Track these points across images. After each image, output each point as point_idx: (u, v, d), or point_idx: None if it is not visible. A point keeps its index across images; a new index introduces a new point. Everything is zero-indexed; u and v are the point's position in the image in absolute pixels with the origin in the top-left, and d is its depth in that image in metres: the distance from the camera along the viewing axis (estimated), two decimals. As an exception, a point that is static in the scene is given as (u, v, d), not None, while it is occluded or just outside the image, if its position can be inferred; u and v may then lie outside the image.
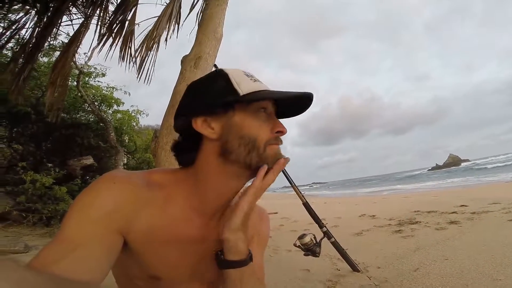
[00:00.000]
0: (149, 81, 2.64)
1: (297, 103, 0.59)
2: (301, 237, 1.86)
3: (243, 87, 0.53)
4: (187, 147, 0.57)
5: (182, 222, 0.56)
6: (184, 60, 2.28)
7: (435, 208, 4.66)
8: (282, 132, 0.56)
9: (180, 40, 3.07)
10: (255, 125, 0.53)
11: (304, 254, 1.86)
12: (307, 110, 0.61)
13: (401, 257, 2.39)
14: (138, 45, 2.75)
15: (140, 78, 2.63)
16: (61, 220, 4.16)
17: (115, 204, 0.50)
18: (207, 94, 0.55)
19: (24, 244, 3.04)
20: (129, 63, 2.87)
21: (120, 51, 2.88)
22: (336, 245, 2.15)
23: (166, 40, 2.74)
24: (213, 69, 2.36)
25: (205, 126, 0.53)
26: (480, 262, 1.97)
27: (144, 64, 2.61)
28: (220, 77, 0.55)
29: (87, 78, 6.51)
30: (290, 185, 2.29)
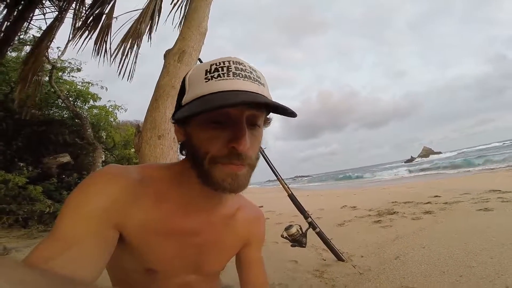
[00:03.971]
0: (131, 78, 2.57)
1: (275, 109, 0.51)
2: (287, 228, 1.92)
3: (190, 93, 0.50)
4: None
5: (176, 215, 0.57)
6: (167, 54, 2.25)
7: (411, 199, 4.90)
8: (236, 148, 0.47)
9: (161, 34, 3.00)
10: (202, 138, 0.50)
11: (291, 245, 1.93)
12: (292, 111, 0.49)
13: (382, 246, 2.51)
14: (118, 40, 2.67)
15: (123, 75, 2.55)
16: (38, 221, 4.02)
17: (110, 200, 0.50)
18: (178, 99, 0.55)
19: (3, 247, 2.91)
20: (105, 57, 2.80)
21: (95, 44, 2.79)
22: (321, 235, 2.22)
23: (149, 35, 2.66)
24: (198, 63, 2.35)
25: (177, 129, 0.56)
26: (454, 250, 2.10)
27: (125, 60, 2.53)
28: (184, 80, 0.54)
29: (60, 73, 6.27)
30: (275, 178, 2.33)
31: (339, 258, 2.22)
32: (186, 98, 0.50)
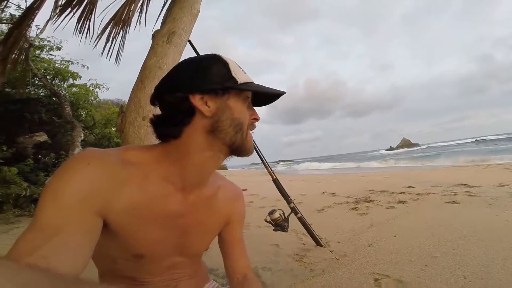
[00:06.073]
0: (118, 61, 2.47)
1: (269, 97, 0.67)
2: (271, 212, 1.97)
3: (239, 77, 0.59)
4: (173, 121, 0.58)
5: (161, 199, 0.58)
6: (155, 35, 2.19)
7: (386, 188, 5.10)
8: (257, 119, 0.65)
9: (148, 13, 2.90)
10: (243, 111, 0.60)
11: (274, 230, 1.99)
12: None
13: (357, 233, 2.62)
14: (103, 17, 2.55)
15: (111, 58, 2.45)
16: (14, 204, 3.88)
17: (91, 186, 0.49)
18: (209, 75, 0.57)
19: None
20: (87, 35, 2.68)
21: (77, 22, 2.65)
22: (302, 220, 2.27)
23: (139, 20, 2.54)
24: (187, 45, 2.30)
25: (201, 103, 0.56)
26: (422, 240, 2.22)
27: (113, 43, 2.42)
28: (219, 63, 0.59)
29: (38, 51, 6.03)
30: (259, 161, 2.31)
31: (318, 243, 2.31)
32: (241, 79, 0.59)
